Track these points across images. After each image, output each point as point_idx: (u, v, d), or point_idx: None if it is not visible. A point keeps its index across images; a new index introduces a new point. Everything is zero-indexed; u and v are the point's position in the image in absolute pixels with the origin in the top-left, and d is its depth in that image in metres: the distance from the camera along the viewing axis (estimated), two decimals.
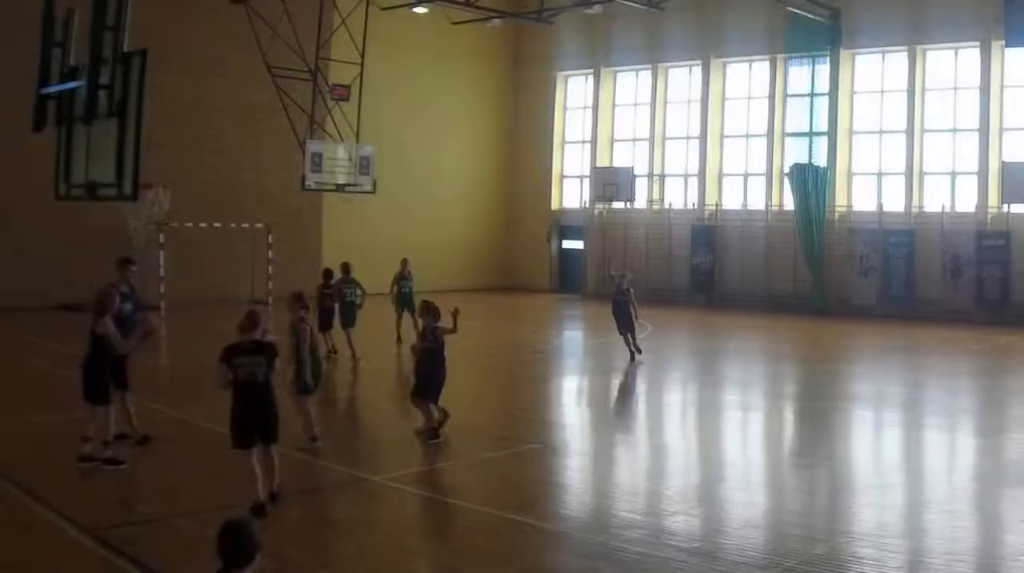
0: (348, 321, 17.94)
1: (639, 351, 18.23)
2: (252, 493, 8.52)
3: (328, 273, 18.23)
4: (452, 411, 11.65)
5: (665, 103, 33.45)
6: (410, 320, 18.61)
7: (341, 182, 24.24)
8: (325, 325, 17.24)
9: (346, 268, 18.59)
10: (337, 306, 17.86)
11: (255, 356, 8.55)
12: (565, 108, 36.41)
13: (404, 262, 20.48)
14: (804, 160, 28.84)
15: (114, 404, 10.49)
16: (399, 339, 19.36)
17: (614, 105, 34.95)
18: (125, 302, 10.95)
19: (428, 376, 11.60)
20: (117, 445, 10.52)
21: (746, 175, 31.77)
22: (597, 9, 29.47)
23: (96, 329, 9.99)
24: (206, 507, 8.69)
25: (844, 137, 29.25)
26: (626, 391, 17.08)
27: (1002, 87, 26.53)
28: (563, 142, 36.39)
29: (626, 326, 18.14)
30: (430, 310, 11.69)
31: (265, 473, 8.74)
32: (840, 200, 29.14)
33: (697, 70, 32.29)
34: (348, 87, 25.22)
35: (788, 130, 29.76)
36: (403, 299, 19.77)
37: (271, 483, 8.82)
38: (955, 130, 27.60)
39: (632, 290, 18.48)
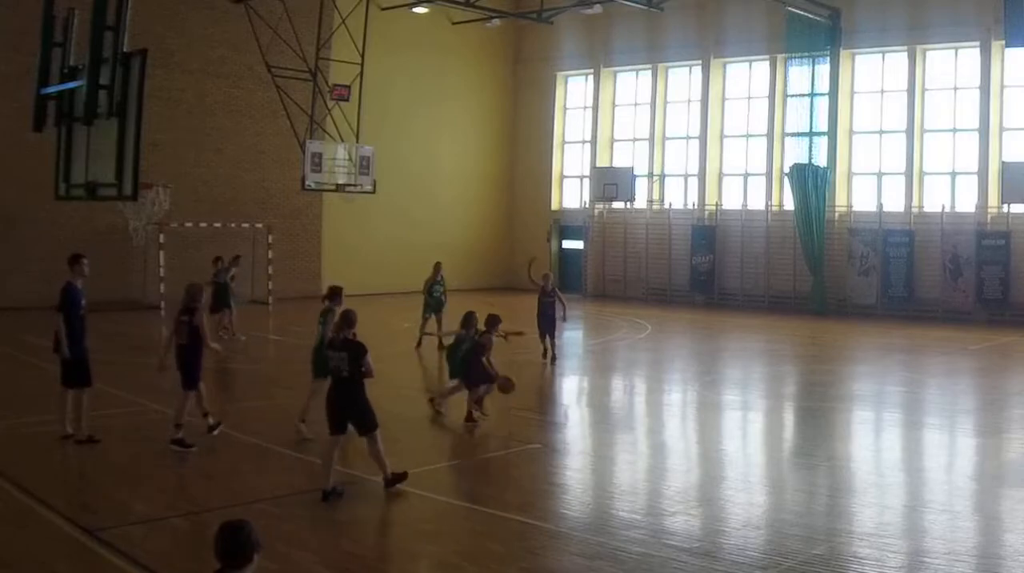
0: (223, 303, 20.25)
1: (554, 358, 17.97)
2: (323, 480, 9.12)
3: (219, 259, 20.97)
4: (452, 411, 11.62)
5: (665, 103, 33.44)
6: (434, 325, 19.54)
7: (341, 182, 24.20)
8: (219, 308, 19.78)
9: (235, 259, 21.60)
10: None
11: (341, 352, 9.23)
12: (565, 108, 36.41)
13: (437, 266, 20.27)
14: (804, 160, 28.82)
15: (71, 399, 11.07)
16: (419, 343, 19.49)
17: (614, 105, 34.95)
18: (82, 299, 11.03)
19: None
20: (65, 443, 10.90)
21: (746, 175, 31.77)
22: (597, 9, 29.46)
23: (195, 321, 11.06)
24: (206, 507, 8.70)
25: (844, 137, 29.25)
26: (626, 391, 17.08)
27: (1002, 87, 26.53)
28: (563, 142, 36.38)
29: (547, 329, 18.03)
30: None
31: (375, 461, 9.43)
32: (840, 200, 29.13)
33: (697, 70, 32.29)
34: (348, 87, 25.20)
35: (788, 130, 29.73)
36: (435, 303, 19.91)
37: (382, 471, 9.40)
38: (955, 130, 27.59)
39: (557, 290, 18.52)
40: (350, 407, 9.25)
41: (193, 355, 11.12)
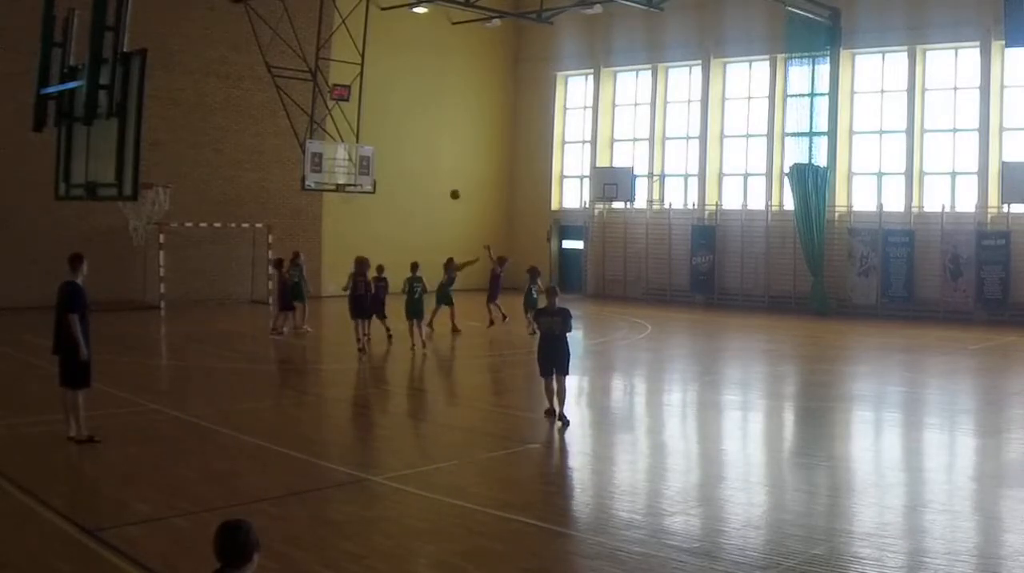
0: None
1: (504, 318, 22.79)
2: (548, 403, 12.61)
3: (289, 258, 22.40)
4: (452, 411, 11.63)
5: (665, 103, 33.44)
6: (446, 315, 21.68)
7: (341, 182, 24.20)
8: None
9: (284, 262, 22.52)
10: None
11: (555, 317, 12.45)
12: (565, 108, 36.41)
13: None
14: (804, 160, 28.81)
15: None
16: (454, 328, 21.91)
17: (614, 105, 34.95)
18: (84, 297, 10.98)
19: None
20: (66, 443, 10.89)
21: (746, 175, 31.77)
22: (597, 9, 29.46)
23: (367, 280, 18.75)
24: (206, 507, 8.69)
25: (844, 137, 29.24)
26: (626, 391, 17.08)
27: (1002, 87, 26.53)
28: (563, 142, 36.39)
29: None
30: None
31: (556, 395, 12.43)
32: (840, 200, 29.14)
33: (697, 70, 32.29)
34: (348, 87, 25.20)
35: (788, 130, 29.72)
36: (443, 297, 21.82)
37: (559, 403, 12.40)
38: (955, 130, 27.59)
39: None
40: (557, 355, 12.31)
41: (363, 302, 18.59)
